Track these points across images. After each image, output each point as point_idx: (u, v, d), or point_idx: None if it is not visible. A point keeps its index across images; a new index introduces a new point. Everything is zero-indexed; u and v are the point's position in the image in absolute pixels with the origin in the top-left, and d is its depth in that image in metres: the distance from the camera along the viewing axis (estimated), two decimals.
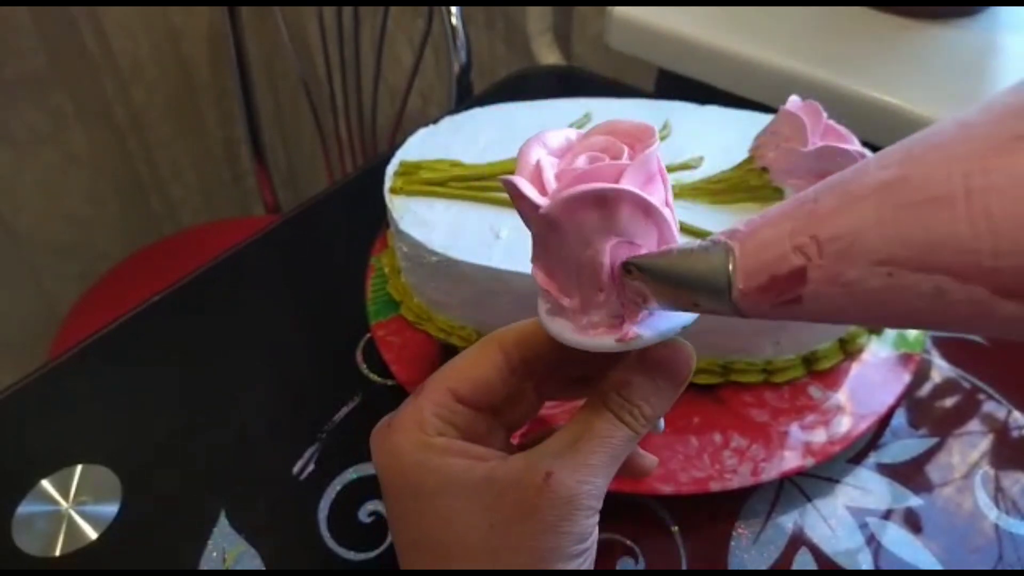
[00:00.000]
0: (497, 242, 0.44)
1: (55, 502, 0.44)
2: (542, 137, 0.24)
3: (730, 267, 0.20)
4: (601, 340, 0.23)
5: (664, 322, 0.23)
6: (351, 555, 0.42)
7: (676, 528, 0.42)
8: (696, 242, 0.21)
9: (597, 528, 0.25)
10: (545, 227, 0.23)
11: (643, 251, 0.22)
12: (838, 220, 0.17)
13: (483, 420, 0.26)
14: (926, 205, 0.16)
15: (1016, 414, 0.47)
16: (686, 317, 0.24)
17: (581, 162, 0.23)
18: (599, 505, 0.25)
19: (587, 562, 0.25)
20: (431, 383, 0.26)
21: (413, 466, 0.25)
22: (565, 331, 0.24)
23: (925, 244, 0.16)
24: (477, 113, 0.55)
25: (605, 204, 0.22)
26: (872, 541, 0.41)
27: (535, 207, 0.22)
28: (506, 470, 0.24)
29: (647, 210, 0.22)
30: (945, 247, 0.16)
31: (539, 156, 0.23)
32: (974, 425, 0.46)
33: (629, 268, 0.22)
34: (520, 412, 0.28)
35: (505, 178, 0.22)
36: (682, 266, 0.21)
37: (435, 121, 0.54)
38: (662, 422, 0.28)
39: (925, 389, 0.48)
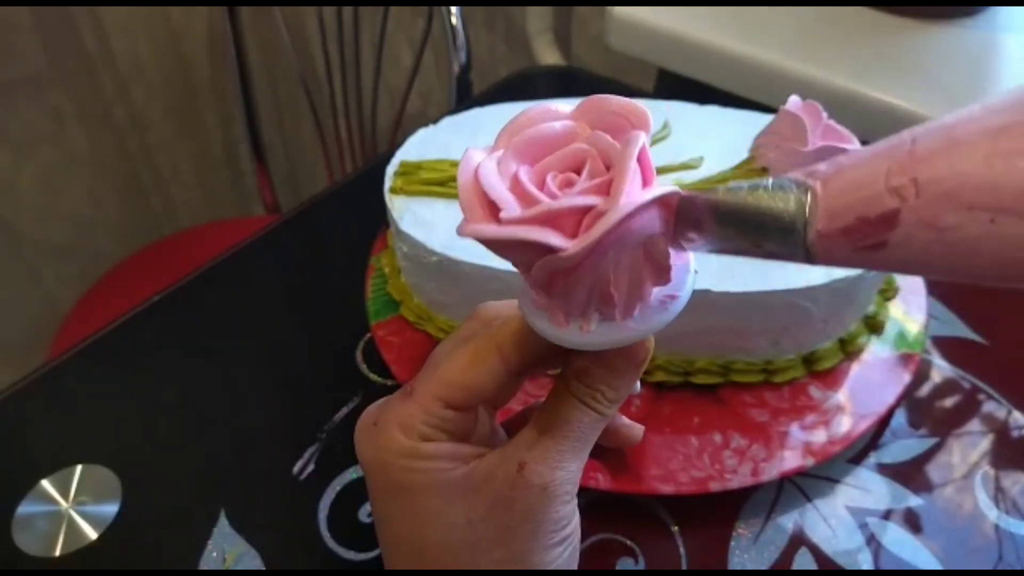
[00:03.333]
0: None
1: (55, 502, 0.44)
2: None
3: (808, 206, 0.19)
4: (590, 338, 0.23)
5: (654, 315, 0.23)
6: (351, 555, 0.42)
7: (676, 528, 0.42)
8: (766, 180, 0.20)
9: (577, 516, 0.26)
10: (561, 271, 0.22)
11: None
12: (942, 162, 0.17)
13: (472, 415, 0.26)
14: None
15: (1016, 414, 0.47)
16: (671, 312, 0.23)
17: (554, 185, 0.22)
18: (575, 490, 0.25)
19: (569, 551, 0.25)
20: (421, 387, 0.25)
21: (397, 470, 0.25)
22: (560, 332, 0.23)
23: None
24: (477, 113, 0.55)
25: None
26: (872, 541, 0.41)
27: (549, 250, 0.20)
28: (483, 467, 0.25)
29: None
30: None
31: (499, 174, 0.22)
32: (974, 425, 0.46)
33: (687, 207, 0.21)
34: (504, 395, 0.28)
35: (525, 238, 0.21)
36: (752, 203, 0.20)
37: (435, 121, 0.54)
38: (638, 383, 0.28)
39: (925, 389, 0.48)
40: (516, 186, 0.22)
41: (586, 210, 0.21)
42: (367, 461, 0.26)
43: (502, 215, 0.21)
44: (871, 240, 0.18)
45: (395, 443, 0.24)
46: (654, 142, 0.49)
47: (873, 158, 0.18)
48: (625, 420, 0.30)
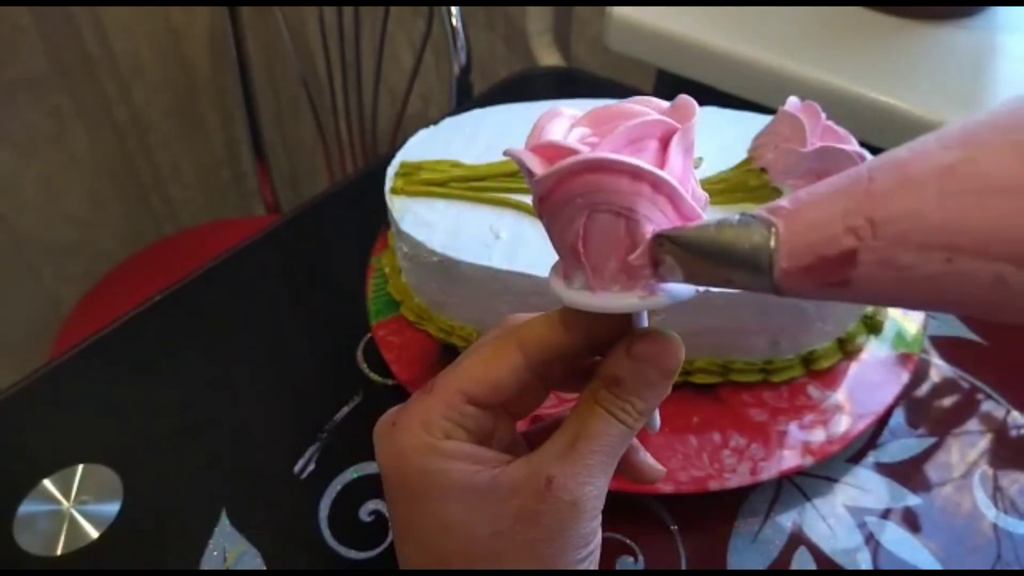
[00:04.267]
0: (497, 242, 0.44)
1: (56, 501, 0.45)
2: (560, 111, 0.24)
3: (772, 245, 0.19)
4: (614, 300, 0.23)
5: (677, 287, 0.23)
6: (352, 554, 0.42)
7: (676, 527, 0.42)
8: (733, 217, 0.20)
9: (600, 531, 0.25)
10: (538, 201, 0.23)
11: (650, 224, 0.22)
12: (896, 202, 0.17)
13: (491, 416, 0.26)
14: (992, 193, 0.15)
15: (1014, 414, 0.47)
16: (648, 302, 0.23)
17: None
18: (601, 505, 0.24)
19: (591, 566, 0.25)
20: (443, 383, 0.25)
21: (417, 470, 0.24)
22: (580, 296, 0.24)
23: (989, 232, 0.15)
24: (477, 114, 0.55)
25: (600, 173, 0.21)
26: (871, 540, 0.41)
27: (531, 175, 0.22)
28: (508, 476, 0.24)
29: (637, 177, 0.21)
30: (1011, 237, 0.15)
31: (558, 128, 0.23)
32: (972, 425, 0.46)
33: (661, 242, 0.21)
34: (527, 402, 0.27)
35: (511, 151, 0.23)
36: (719, 241, 0.20)
37: (436, 122, 0.54)
38: (658, 420, 0.28)
39: (923, 389, 0.48)
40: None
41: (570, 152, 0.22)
42: (386, 464, 0.25)
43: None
44: (834, 278, 0.18)
45: (415, 440, 0.24)
46: None
47: (832, 196, 0.18)
48: (650, 459, 0.29)
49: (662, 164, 0.22)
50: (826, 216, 0.18)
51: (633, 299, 0.23)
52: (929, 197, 0.16)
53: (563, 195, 0.22)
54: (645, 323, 0.25)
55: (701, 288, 0.23)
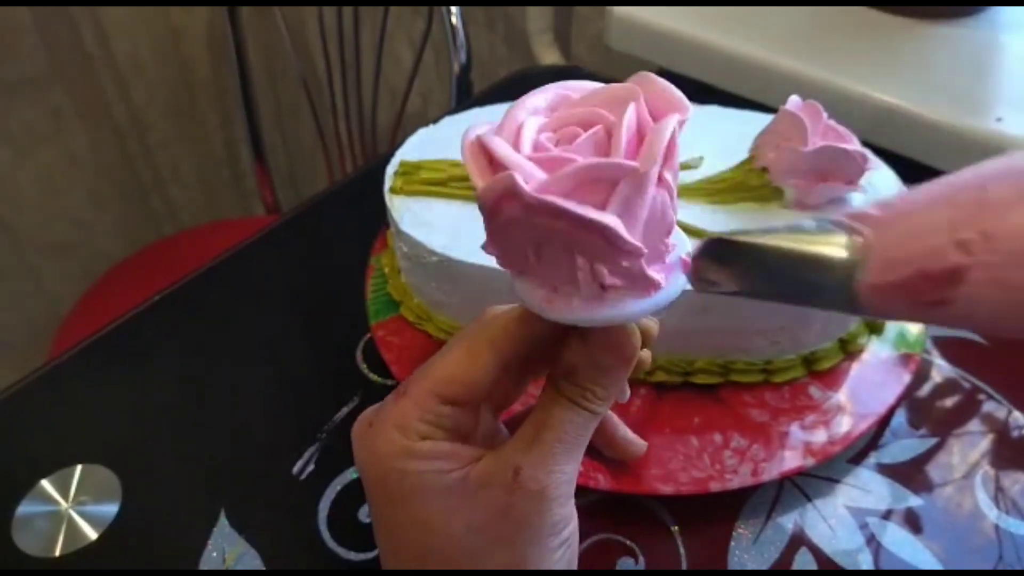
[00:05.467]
0: None
1: (55, 502, 0.44)
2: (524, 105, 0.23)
3: (858, 256, 0.17)
4: (572, 313, 0.22)
5: (632, 304, 0.22)
6: (351, 555, 0.42)
7: (676, 528, 0.42)
8: (807, 222, 0.18)
9: (576, 516, 0.25)
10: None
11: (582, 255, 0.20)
12: (1017, 216, 0.15)
13: (470, 412, 0.26)
14: None
15: (1016, 414, 0.46)
16: (656, 300, 0.22)
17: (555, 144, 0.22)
18: (571, 491, 0.25)
19: (568, 552, 0.25)
20: (416, 385, 0.25)
21: (393, 472, 0.24)
22: (536, 300, 0.23)
23: None
24: (477, 113, 0.55)
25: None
26: (872, 541, 0.41)
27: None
28: (479, 472, 0.24)
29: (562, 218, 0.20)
30: None
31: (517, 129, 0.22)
32: (974, 425, 0.46)
33: (718, 248, 0.19)
34: (508, 394, 0.28)
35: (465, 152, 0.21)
36: (793, 250, 0.18)
37: (435, 121, 0.54)
38: (627, 390, 0.27)
39: (925, 389, 0.48)
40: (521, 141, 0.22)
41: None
42: (363, 465, 0.25)
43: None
44: (932, 296, 0.16)
45: (391, 444, 0.24)
46: None
47: (934, 204, 0.16)
48: (629, 435, 0.29)
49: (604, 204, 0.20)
50: (928, 226, 0.16)
51: (562, 314, 0.22)
52: None
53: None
54: None
55: (663, 300, 0.22)
